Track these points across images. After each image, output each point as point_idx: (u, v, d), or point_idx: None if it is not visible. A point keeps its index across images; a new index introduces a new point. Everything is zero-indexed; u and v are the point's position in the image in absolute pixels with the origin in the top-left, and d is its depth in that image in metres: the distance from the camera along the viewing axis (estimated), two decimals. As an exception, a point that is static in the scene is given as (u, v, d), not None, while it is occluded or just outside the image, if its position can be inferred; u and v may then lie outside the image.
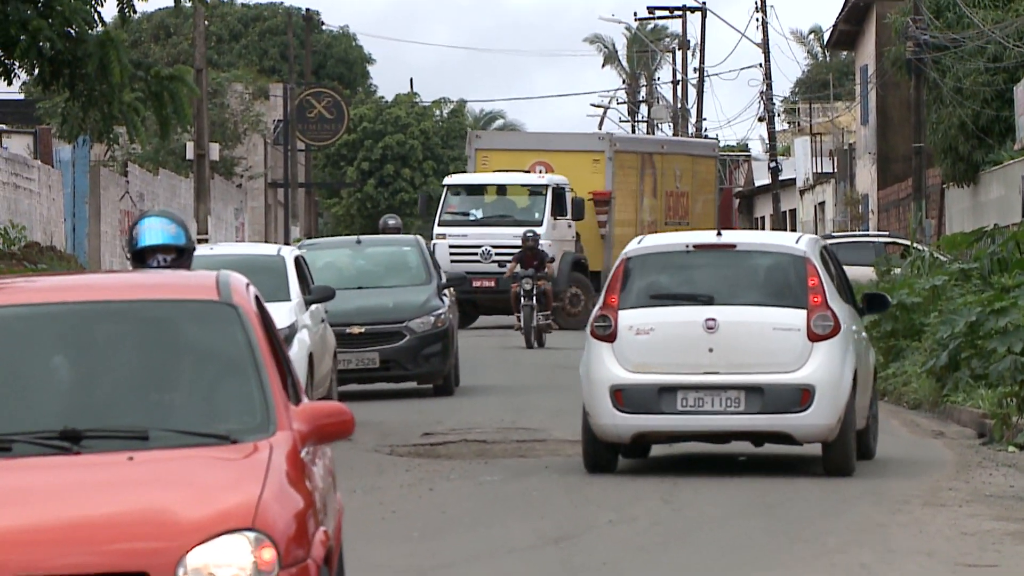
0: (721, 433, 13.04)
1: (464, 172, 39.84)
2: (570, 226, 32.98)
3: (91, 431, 4.67)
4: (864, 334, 14.37)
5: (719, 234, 15.55)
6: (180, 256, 6.76)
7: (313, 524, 4.38)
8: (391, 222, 28.19)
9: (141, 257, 6.63)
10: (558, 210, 33.61)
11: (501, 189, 35.66)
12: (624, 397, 12.67)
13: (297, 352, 14.80)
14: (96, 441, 4.64)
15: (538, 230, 31.36)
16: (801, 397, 12.54)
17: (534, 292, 27.78)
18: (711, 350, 12.83)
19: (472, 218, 32.73)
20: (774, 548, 9.71)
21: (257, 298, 5.33)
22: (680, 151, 41.78)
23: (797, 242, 14.46)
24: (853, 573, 8.73)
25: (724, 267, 13.86)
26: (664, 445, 13.66)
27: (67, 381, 5.12)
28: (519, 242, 29.92)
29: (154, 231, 6.47)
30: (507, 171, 35.36)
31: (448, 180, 37.69)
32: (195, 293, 5.38)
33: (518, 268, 28.94)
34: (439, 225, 33.08)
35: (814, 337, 12.73)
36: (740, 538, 10.05)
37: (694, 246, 14.18)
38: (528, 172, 35.06)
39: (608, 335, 12.95)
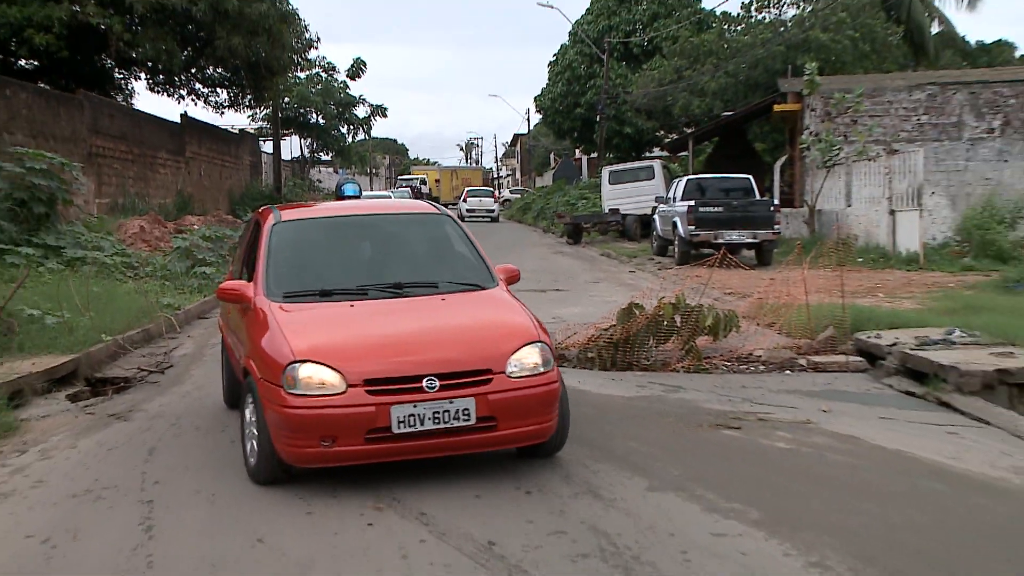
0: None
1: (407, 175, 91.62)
2: (424, 191, 69.67)
3: (406, 284, 7.17)
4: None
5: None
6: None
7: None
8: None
9: (342, 199, 8.99)
10: (421, 185, 72.94)
11: (410, 181, 74.82)
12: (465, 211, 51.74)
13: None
14: (410, 289, 7.14)
15: (422, 189, 69.34)
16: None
17: None
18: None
19: (400, 187, 64.12)
20: (580, 269, 24.61)
21: None
22: (466, 168, 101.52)
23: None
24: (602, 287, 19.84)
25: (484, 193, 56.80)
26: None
27: (369, 257, 7.74)
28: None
29: (352, 187, 9.02)
30: (412, 175, 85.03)
31: (399, 177, 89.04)
32: (426, 209, 8.44)
33: None
34: (394, 191, 61.70)
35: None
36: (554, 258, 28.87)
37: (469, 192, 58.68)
38: (417, 175, 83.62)
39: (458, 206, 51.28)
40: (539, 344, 6.50)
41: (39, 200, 17.74)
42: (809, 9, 38.53)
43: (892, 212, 22.62)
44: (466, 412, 6.09)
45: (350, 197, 9.26)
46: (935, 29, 43.27)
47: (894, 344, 10.62)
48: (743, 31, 39.39)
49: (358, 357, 6.19)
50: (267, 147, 50.99)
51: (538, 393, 6.34)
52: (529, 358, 6.39)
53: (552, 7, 47.87)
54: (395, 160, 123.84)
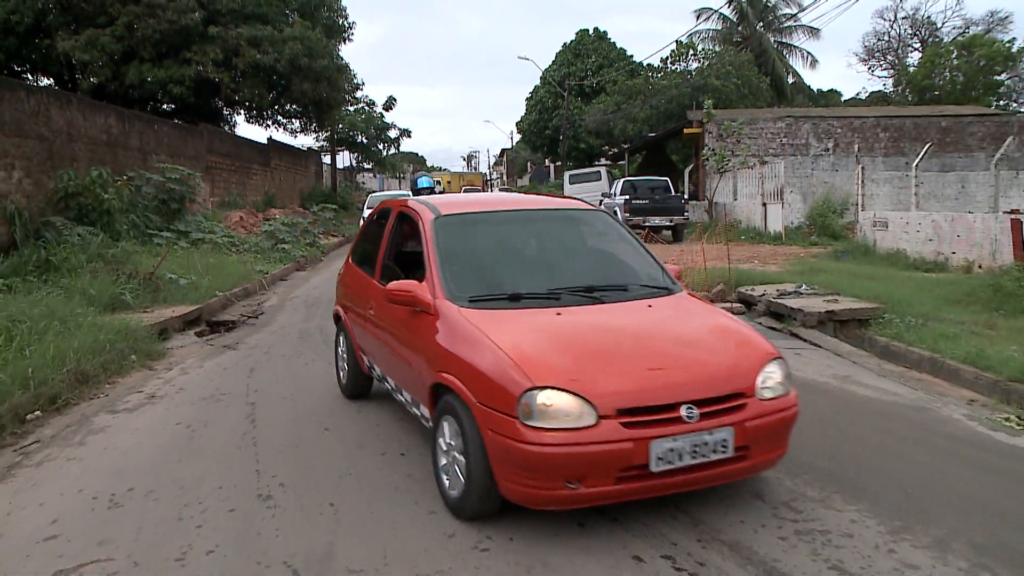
0: None
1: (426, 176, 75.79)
2: (438, 190, 53.39)
3: (597, 287, 4.46)
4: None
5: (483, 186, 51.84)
6: (431, 194, 6.21)
7: None
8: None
9: (418, 192, 8.02)
10: (437, 185, 55.36)
11: (431, 181, 64.83)
12: None
13: None
14: (602, 293, 4.40)
15: (436, 188, 51.75)
16: None
17: None
18: None
19: (426, 187, 55.73)
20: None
21: None
22: (469, 173, 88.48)
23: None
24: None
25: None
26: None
27: (543, 256, 4.86)
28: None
29: (426, 179, 9.73)
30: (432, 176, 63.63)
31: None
32: (581, 204, 5.50)
33: None
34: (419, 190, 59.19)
35: None
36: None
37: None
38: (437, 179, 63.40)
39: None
40: (780, 360, 4.11)
41: (174, 199, 17.78)
42: (707, 63, 38.56)
43: (764, 204, 22.63)
44: (724, 444, 3.75)
45: (425, 189, 7.32)
46: (791, 80, 43.60)
47: (763, 295, 10.65)
48: (662, 77, 39.18)
49: (603, 381, 3.70)
50: (326, 159, 50.94)
51: (786, 417, 3.99)
52: (775, 376, 4.03)
53: (528, 60, 47.91)
54: (416, 168, 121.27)
